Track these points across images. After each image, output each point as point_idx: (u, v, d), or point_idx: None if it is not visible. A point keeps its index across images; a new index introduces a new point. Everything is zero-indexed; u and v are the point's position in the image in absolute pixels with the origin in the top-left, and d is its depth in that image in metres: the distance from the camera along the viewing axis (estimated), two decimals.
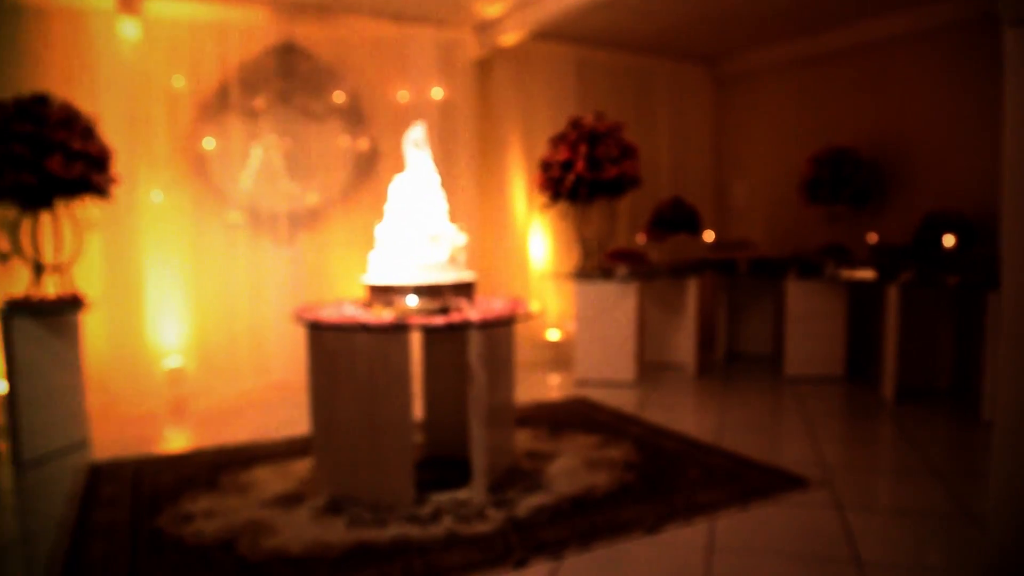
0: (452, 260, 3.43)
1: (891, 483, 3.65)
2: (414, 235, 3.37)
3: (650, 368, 6.19)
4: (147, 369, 5.36)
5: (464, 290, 3.43)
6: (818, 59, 6.57)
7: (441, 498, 3.36)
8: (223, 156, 5.52)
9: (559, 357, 6.60)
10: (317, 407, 3.44)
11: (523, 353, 6.18)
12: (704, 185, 7.52)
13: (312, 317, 3.25)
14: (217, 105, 5.46)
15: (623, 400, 5.25)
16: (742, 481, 3.54)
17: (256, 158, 5.58)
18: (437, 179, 3.54)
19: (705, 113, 7.58)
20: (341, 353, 3.31)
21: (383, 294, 3.34)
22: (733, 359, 6.67)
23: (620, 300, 5.64)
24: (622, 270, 5.65)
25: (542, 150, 5.97)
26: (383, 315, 3.23)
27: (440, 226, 3.44)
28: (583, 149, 5.45)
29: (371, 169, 5.96)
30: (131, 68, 5.12)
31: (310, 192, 5.82)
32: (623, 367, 5.70)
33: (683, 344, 6.20)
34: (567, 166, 5.51)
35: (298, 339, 5.74)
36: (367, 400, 3.28)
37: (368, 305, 3.40)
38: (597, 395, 5.40)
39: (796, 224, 6.71)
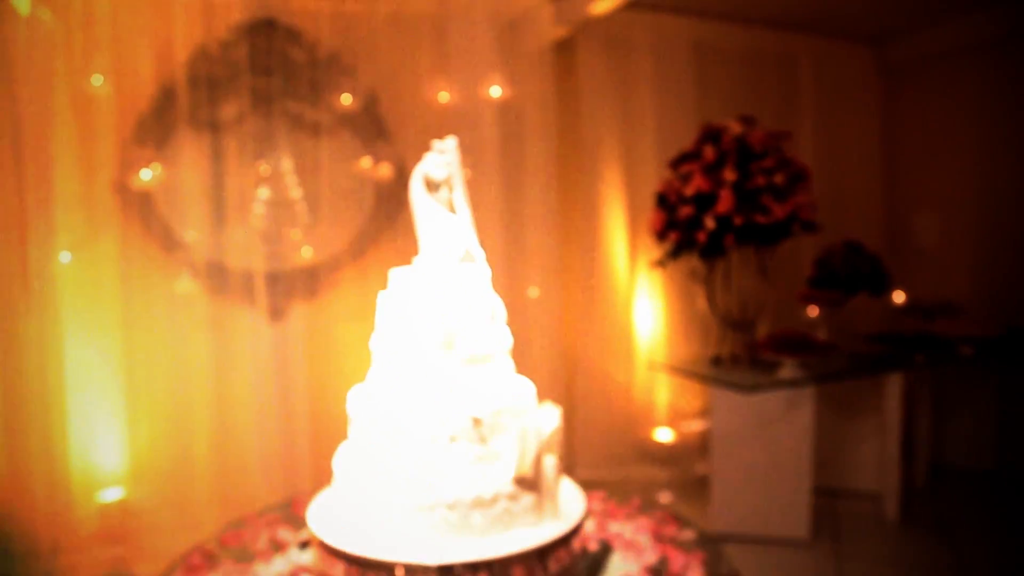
0: (525, 482, 1.41)
1: None
2: (435, 431, 1.36)
3: (818, 498, 4.03)
4: (69, 508, 3.52)
5: (557, 556, 1.39)
6: None
7: None
8: (169, 193, 3.61)
9: (673, 472, 4.49)
10: None
11: (615, 449, 4.20)
12: (871, 218, 5.26)
13: None
14: (159, 116, 3.56)
15: None
16: None
17: (221, 195, 3.68)
18: (487, 272, 1.51)
19: (870, 114, 5.32)
20: None
21: None
22: (939, 478, 4.45)
23: (787, 412, 3.53)
24: (790, 367, 3.53)
25: (652, 174, 3.92)
26: None
27: (493, 411, 1.41)
28: (730, 176, 3.36)
29: (398, 207, 3.97)
30: (20, 59, 3.27)
31: (306, 244, 3.88)
32: (792, 515, 3.59)
33: (870, 463, 4.03)
34: (704, 202, 3.41)
35: (295, 457, 3.85)
36: None
37: None
38: (753, 568, 3.31)
39: None
